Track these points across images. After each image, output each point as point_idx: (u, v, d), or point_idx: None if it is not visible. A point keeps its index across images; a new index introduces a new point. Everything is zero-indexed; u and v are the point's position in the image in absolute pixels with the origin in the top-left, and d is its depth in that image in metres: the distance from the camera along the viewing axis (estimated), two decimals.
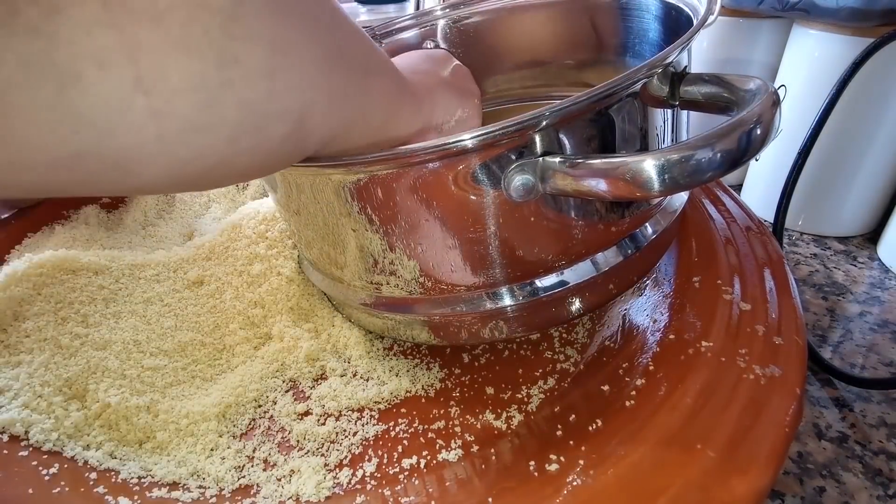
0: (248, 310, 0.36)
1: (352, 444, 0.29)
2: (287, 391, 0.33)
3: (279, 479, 0.27)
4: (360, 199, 0.25)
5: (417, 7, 0.78)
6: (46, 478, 0.26)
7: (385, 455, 0.28)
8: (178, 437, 0.29)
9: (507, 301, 0.26)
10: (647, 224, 0.28)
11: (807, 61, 0.42)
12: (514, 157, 0.22)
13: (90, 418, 0.29)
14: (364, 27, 0.45)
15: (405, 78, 0.27)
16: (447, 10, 0.45)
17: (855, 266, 0.43)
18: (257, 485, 0.27)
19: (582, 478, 0.22)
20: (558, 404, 0.29)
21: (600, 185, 0.20)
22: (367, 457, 0.28)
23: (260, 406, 0.32)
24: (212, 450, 0.29)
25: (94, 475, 0.27)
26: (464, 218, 0.24)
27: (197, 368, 0.34)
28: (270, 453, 0.29)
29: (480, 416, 0.29)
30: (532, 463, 0.24)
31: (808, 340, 0.28)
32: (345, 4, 0.79)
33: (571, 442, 0.25)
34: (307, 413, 0.31)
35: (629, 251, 0.27)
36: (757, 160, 0.25)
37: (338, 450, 0.29)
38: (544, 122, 0.21)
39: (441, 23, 0.46)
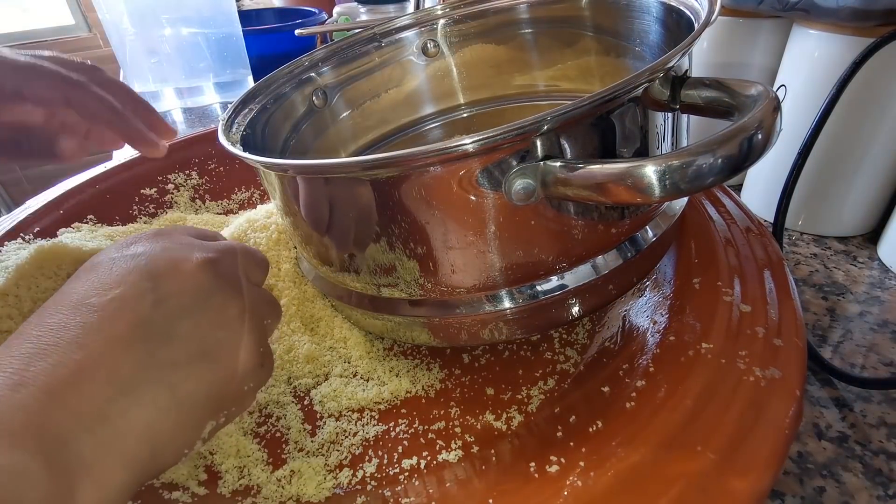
0: None
1: (352, 445, 0.29)
2: (287, 391, 0.33)
3: (279, 480, 0.27)
4: (361, 201, 0.25)
5: (417, 7, 0.78)
6: None
7: (385, 456, 0.28)
8: None
9: (507, 304, 0.26)
10: (647, 227, 0.28)
11: (807, 61, 0.42)
12: (515, 162, 0.22)
13: None
14: (364, 27, 0.45)
15: None
16: (447, 9, 0.45)
17: (855, 266, 0.43)
18: (257, 485, 0.27)
19: (582, 479, 0.23)
20: (558, 405, 0.29)
21: (601, 191, 0.20)
22: (367, 457, 0.28)
23: (260, 406, 0.32)
24: (212, 452, 0.29)
25: None
26: (464, 221, 0.24)
27: None
28: (270, 454, 0.29)
29: (481, 417, 0.29)
30: (532, 464, 0.24)
31: (808, 341, 0.28)
32: (345, 4, 0.79)
33: (572, 443, 0.25)
34: (307, 413, 0.31)
35: (629, 254, 0.27)
36: None
37: (338, 450, 0.29)
38: (546, 127, 0.21)
39: (441, 22, 0.46)
